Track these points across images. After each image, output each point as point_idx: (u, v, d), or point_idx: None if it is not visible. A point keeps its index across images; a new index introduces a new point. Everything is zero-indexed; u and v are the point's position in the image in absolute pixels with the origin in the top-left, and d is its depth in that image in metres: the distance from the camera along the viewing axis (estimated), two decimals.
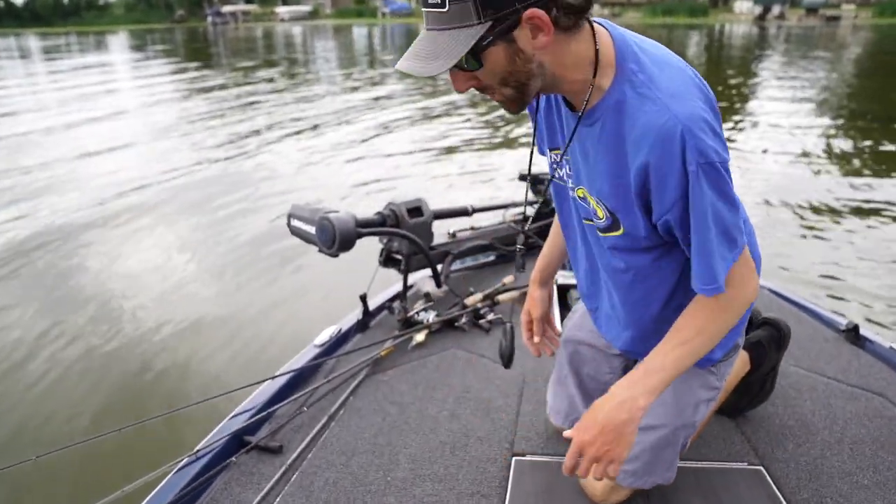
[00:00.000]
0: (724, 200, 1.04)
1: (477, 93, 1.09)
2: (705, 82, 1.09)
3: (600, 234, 1.26)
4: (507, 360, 1.54)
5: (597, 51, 1.05)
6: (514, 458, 1.67)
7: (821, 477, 1.58)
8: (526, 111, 1.20)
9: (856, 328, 2.21)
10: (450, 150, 8.07)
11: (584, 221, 1.31)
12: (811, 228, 5.00)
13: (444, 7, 0.94)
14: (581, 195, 1.25)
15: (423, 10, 1.00)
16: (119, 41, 40.11)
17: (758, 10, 46.63)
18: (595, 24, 1.07)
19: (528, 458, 1.68)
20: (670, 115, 1.00)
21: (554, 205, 1.44)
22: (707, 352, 1.18)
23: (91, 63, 23.38)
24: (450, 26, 0.96)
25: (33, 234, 5.42)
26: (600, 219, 1.22)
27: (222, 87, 15.22)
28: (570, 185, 1.29)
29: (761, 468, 1.61)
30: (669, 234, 1.14)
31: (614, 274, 1.31)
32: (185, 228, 5.62)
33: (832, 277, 4.12)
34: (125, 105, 13.00)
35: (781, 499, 1.50)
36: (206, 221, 5.71)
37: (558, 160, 1.29)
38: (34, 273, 4.66)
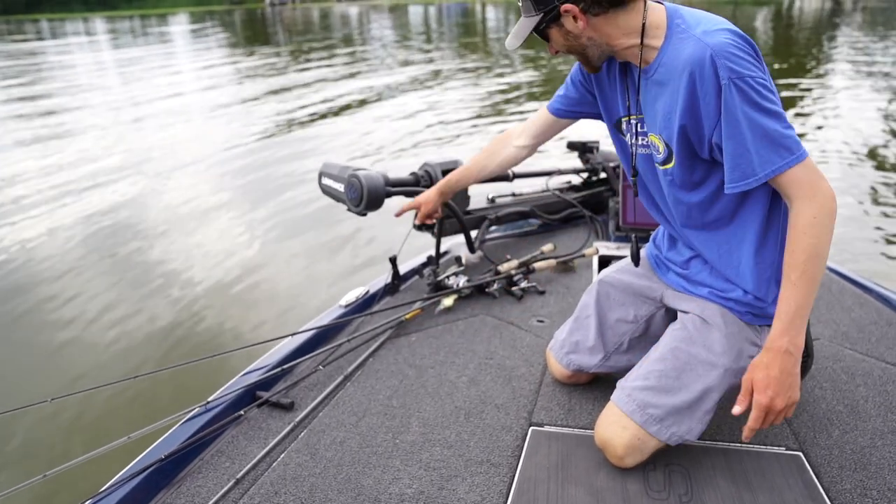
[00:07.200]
0: (760, 111, 1.18)
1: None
2: (748, 37, 1.25)
3: (659, 168, 1.42)
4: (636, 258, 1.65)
5: (644, 22, 1.30)
6: (531, 428, 1.58)
7: (868, 468, 1.42)
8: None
9: None
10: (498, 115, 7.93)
11: (656, 167, 1.44)
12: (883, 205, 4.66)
13: (520, 3, 1.35)
14: (651, 140, 1.42)
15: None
16: (178, 20, 41.49)
17: None
18: (651, 3, 1.32)
19: (545, 428, 1.58)
20: (702, 45, 1.21)
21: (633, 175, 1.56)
22: (822, 271, 1.23)
23: (153, 41, 24.18)
24: (526, 15, 1.35)
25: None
26: (659, 153, 1.39)
27: (275, 65, 15.42)
28: (645, 140, 1.45)
29: (800, 454, 1.46)
30: (721, 152, 1.27)
31: (692, 220, 1.43)
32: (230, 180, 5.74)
33: None
34: (182, 69, 13.46)
35: (819, 488, 1.35)
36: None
37: (633, 122, 1.46)
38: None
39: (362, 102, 9.86)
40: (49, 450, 2.43)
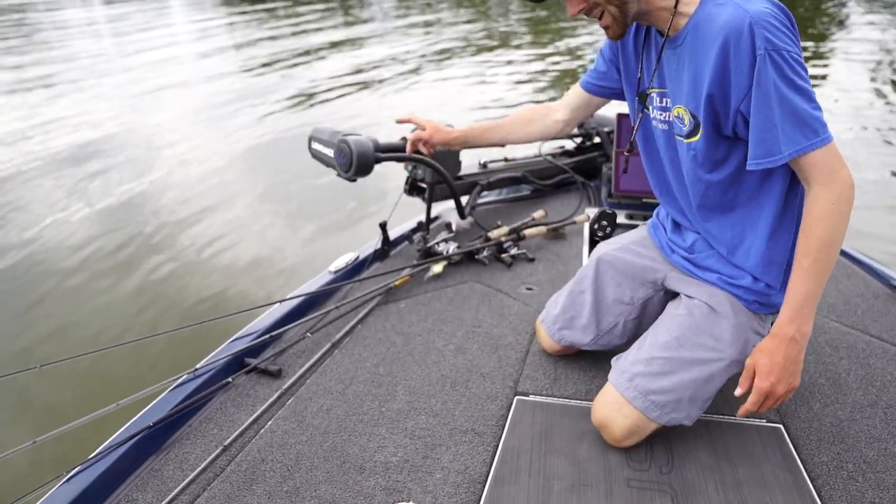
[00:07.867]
0: (791, 88, 1.14)
1: None
2: (787, 10, 1.18)
3: (683, 141, 1.34)
4: None
5: None
6: (516, 398, 1.59)
7: (846, 440, 1.45)
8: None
9: None
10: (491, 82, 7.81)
11: (677, 144, 1.38)
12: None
13: None
14: (676, 113, 1.34)
15: None
16: None
17: None
18: None
19: (531, 398, 1.59)
20: (741, 11, 1.15)
21: (641, 150, 1.54)
22: (835, 259, 1.20)
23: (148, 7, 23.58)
24: None
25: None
26: (684, 125, 1.33)
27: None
28: (666, 115, 1.38)
29: (780, 426, 1.49)
30: (745, 126, 1.22)
31: (708, 200, 1.38)
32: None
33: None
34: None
35: (797, 460, 1.38)
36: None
37: (655, 95, 1.40)
38: None
39: (352, 57, 9.68)
40: (38, 416, 2.46)
